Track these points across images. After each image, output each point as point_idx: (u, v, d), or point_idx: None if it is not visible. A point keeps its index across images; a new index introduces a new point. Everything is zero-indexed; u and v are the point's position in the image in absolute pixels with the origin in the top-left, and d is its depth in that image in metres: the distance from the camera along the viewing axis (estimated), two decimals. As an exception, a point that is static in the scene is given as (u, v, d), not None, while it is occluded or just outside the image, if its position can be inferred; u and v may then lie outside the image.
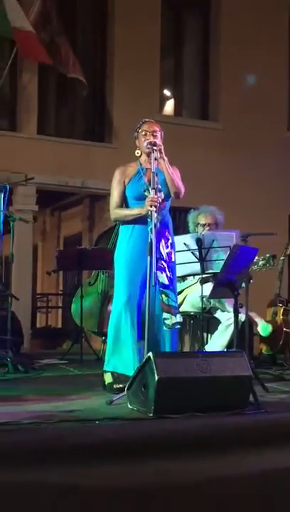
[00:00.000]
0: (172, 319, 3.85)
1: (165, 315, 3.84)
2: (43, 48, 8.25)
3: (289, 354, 6.23)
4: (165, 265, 3.92)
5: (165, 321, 3.83)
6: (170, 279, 3.95)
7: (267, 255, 5.07)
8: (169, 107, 10.21)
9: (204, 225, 5.04)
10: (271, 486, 2.99)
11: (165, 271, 3.89)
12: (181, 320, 3.98)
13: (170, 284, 3.94)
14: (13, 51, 8.45)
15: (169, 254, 4.00)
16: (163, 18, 9.71)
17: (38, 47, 8.22)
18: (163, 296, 3.84)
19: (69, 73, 8.52)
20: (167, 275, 3.90)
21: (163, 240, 3.95)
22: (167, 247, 4.00)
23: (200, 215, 5.11)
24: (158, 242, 3.79)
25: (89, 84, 9.18)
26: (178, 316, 3.93)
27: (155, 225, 3.75)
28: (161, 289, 3.84)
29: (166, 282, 3.90)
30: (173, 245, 4.08)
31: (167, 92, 10.16)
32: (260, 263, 5.06)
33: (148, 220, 3.82)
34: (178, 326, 3.97)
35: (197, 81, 10.29)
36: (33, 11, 8.31)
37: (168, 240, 4.04)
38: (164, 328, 3.92)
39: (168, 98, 10.19)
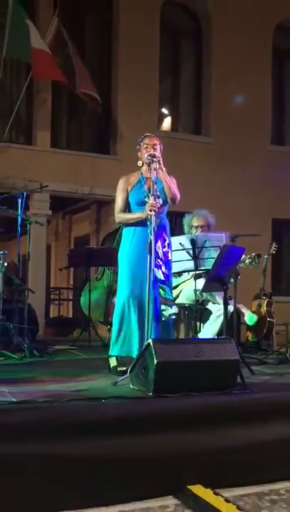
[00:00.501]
0: (168, 310, 3.85)
1: (162, 307, 3.84)
2: (57, 67, 8.22)
3: (272, 341, 6.24)
4: (162, 263, 3.92)
5: (163, 312, 3.83)
6: (166, 275, 3.95)
7: (253, 254, 5.07)
8: (167, 123, 10.18)
9: (197, 227, 5.02)
10: (256, 455, 3.00)
11: (161, 268, 3.89)
12: (176, 311, 3.96)
13: (166, 280, 3.94)
14: (30, 74, 8.45)
15: (166, 253, 4.01)
16: (162, 44, 9.68)
17: (53, 66, 8.19)
18: (161, 290, 3.84)
19: (86, 89, 8.48)
20: (163, 271, 3.90)
21: (160, 241, 3.95)
22: (164, 247, 4.00)
23: (193, 218, 5.09)
24: (155, 242, 3.79)
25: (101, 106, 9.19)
26: (174, 307, 3.92)
27: (153, 228, 3.76)
28: (159, 284, 3.84)
29: (162, 278, 3.91)
30: (169, 245, 4.08)
31: (165, 110, 10.13)
32: (247, 261, 5.05)
33: (148, 223, 3.82)
34: (174, 317, 3.95)
35: (191, 100, 10.26)
36: (48, 35, 8.28)
37: (165, 240, 4.05)
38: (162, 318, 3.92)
39: (165, 115, 10.16)
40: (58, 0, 8.88)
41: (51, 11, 8.64)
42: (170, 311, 3.84)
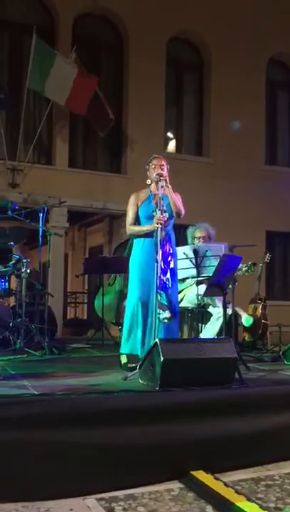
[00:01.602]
0: (162, 314, 3.79)
1: (158, 310, 3.78)
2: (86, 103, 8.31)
3: (266, 340, 6.21)
4: (161, 272, 3.84)
5: (159, 315, 3.77)
6: (163, 283, 3.81)
7: (249, 263, 5.04)
8: (171, 145, 10.20)
9: (199, 238, 4.99)
10: (251, 443, 2.98)
11: (164, 275, 3.83)
12: (169, 315, 3.81)
13: (163, 287, 3.79)
14: (50, 102, 8.51)
15: (168, 263, 3.95)
16: (167, 75, 9.72)
17: (84, 101, 8.26)
18: (158, 295, 3.79)
19: (107, 123, 8.57)
20: (162, 279, 3.79)
21: (161, 251, 3.88)
22: (167, 257, 3.95)
23: (196, 230, 5.08)
24: (161, 253, 3.76)
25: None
26: (167, 312, 3.80)
27: (160, 240, 3.75)
28: (158, 290, 3.79)
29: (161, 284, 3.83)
30: (173, 255, 4.03)
31: (170, 134, 10.15)
32: (243, 269, 5.02)
33: (154, 235, 3.81)
34: (166, 321, 3.81)
35: (193, 125, 10.28)
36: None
37: (169, 250, 4.00)
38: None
39: (170, 139, 10.18)
40: (76, 36, 8.99)
41: (69, 48, 8.71)
42: (163, 314, 3.77)
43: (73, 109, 8.55)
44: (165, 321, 3.79)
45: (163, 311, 3.78)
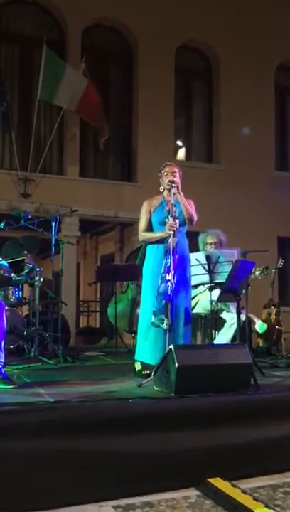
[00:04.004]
0: (152, 319, 3.76)
1: (155, 316, 3.73)
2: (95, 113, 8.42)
3: (281, 346, 6.16)
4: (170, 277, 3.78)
5: (155, 320, 3.73)
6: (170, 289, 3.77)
7: (262, 267, 5.03)
8: (181, 153, 10.21)
9: (211, 244, 4.99)
10: (268, 450, 2.95)
11: (167, 282, 3.74)
12: (156, 322, 3.71)
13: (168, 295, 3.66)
14: (61, 112, 8.58)
15: (180, 268, 3.90)
16: (176, 84, 9.76)
17: (95, 112, 8.37)
18: (161, 301, 3.73)
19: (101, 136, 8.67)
20: (167, 286, 3.73)
21: (172, 257, 3.85)
22: (179, 263, 3.90)
23: (208, 236, 5.07)
24: (173, 259, 3.74)
25: (119, 136, 9.30)
26: (154, 318, 3.73)
27: (173, 247, 3.74)
28: (159, 296, 3.74)
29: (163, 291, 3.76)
30: (185, 261, 4.00)
31: (179, 142, 10.17)
32: (256, 273, 5.01)
33: (165, 241, 3.82)
34: (155, 326, 3.74)
35: (203, 132, 10.29)
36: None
37: (181, 256, 3.96)
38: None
39: (180, 146, 10.20)
40: (85, 47, 9.08)
41: (79, 58, 8.80)
42: (153, 319, 3.74)
43: (83, 116, 8.62)
44: (165, 326, 3.68)
45: (154, 316, 3.72)
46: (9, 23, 9.00)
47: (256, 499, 2.47)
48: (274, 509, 2.37)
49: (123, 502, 2.49)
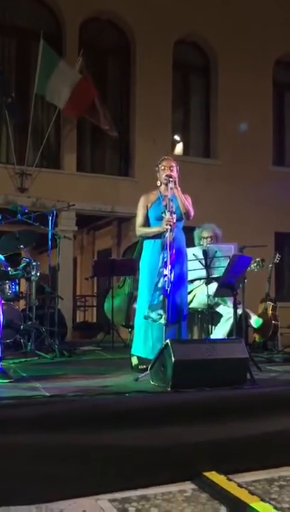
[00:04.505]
0: (146, 313, 3.77)
1: (151, 311, 3.74)
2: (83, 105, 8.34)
3: (277, 341, 6.17)
4: (168, 272, 3.78)
5: (151, 315, 3.73)
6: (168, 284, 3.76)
7: (257, 259, 5.04)
8: (179, 148, 10.20)
9: (206, 238, 5.00)
10: (264, 444, 2.95)
11: (164, 277, 3.75)
12: (153, 317, 3.72)
13: (166, 291, 3.66)
14: (57, 108, 8.55)
15: (177, 263, 3.90)
16: (174, 78, 9.74)
17: (82, 104, 8.30)
18: (158, 295, 3.73)
19: (102, 125, 8.60)
20: (165, 281, 3.74)
21: (169, 253, 3.85)
22: (176, 258, 3.90)
23: (203, 230, 5.07)
24: (170, 254, 3.74)
25: (117, 131, 9.25)
26: (150, 312, 3.75)
27: (170, 241, 3.74)
28: (157, 291, 3.75)
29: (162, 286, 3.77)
30: (182, 256, 4.00)
31: (177, 137, 10.16)
32: (252, 266, 4.99)
33: (162, 236, 3.81)
34: (151, 321, 3.76)
35: (201, 127, 10.28)
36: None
37: (178, 251, 3.96)
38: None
39: (178, 141, 10.19)
40: (83, 40, 9.03)
41: (76, 52, 8.75)
42: (147, 313, 3.74)
43: (69, 113, 8.56)
44: (162, 321, 3.69)
45: (150, 311, 3.72)
46: (6, 15, 8.95)
47: (251, 493, 2.48)
48: (269, 503, 2.38)
49: (119, 495, 2.50)
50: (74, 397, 2.93)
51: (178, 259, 3.92)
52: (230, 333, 4.57)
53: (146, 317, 3.74)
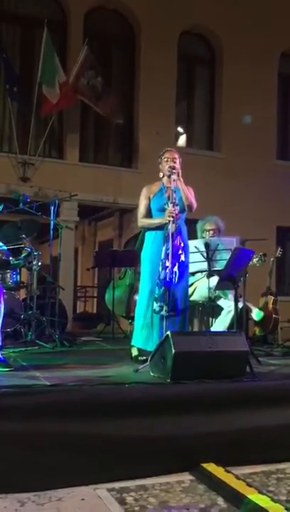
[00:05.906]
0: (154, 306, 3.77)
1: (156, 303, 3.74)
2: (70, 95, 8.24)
3: (277, 335, 6.17)
4: (170, 264, 3.79)
5: (156, 308, 3.74)
6: (173, 276, 3.75)
7: (259, 254, 5.03)
8: (182, 140, 10.16)
9: (209, 231, 4.97)
10: (263, 437, 2.96)
11: (166, 269, 3.74)
12: (157, 309, 3.75)
13: (170, 282, 3.69)
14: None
15: (179, 256, 3.92)
16: (178, 70, 9.67)
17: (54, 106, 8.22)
18: (161, 288, 3.72)
19: (102, 110, 8.52)
20: (173, 272, 3.75)
21: (172, 244, 3.84)
22: (178, 250, 3.92)
23: (206, 223, 5.04)
24: (172, 246, 3.73)
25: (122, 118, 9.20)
26: (156, 304, 3.77)
27: (172, 233, 3.73)
28: (161, 283, 3.74)
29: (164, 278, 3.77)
30: (184, 248, 4.01)
31: (181, 129, 10.11)
32: (254, 260, 4.99)
33: (165, 228, 3.80)
34: (155, 313, 3.78)
35: (204, 120, 10.23)
36: (78, 62, 8.28)
37: (180, 243, 3.97)
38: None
39: (181, 133, 10.14)
40: (88, 30, 8.96)
41: (81, 41, 8.69)
42: (154, 306, 3.75)
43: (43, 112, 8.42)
44: (164, 313, 3.69)
45: (156, 302, 3.73)
46: (11, 3, 8.88)
47: (249, 485, 2.49)
48: (266, 495, 2.39)
49: (117, 485, 2.51)
50: (74, 386, 2.93)
51: (180, 251, 3.91)
52: (231, 327, 4.55)
53: (154, 310, 3.74)
